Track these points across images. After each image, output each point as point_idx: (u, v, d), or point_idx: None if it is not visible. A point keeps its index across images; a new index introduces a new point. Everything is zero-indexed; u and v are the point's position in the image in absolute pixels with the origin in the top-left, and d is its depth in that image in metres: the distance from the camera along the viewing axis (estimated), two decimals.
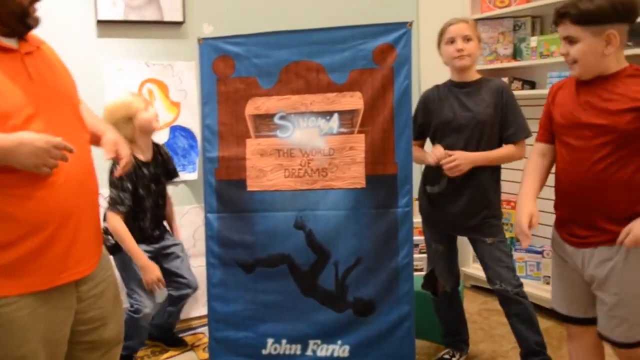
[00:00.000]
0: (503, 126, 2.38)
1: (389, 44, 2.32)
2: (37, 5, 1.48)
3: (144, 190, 2.64)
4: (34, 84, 1.47)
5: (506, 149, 2.40)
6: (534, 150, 2.06)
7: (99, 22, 2.88)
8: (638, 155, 1.73)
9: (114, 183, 2.53)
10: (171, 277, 2.76)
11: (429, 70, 3.59)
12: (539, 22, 3.35)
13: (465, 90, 2.42)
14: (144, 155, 2.66)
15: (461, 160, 2.34)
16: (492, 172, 2.44)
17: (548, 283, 3.25)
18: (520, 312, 2.42)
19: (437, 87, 2.54)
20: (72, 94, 1.65)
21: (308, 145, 2.39)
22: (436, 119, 2.47)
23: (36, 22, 1.49)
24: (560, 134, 1.91)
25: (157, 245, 2.75)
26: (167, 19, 2.96)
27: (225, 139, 2.43)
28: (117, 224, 2.52)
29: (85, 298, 1.64)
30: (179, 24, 3.00)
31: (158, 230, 2.78)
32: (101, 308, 1.69)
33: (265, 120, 2.41)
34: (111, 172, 2.53)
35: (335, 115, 2.37)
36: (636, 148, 1.72)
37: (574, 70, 1.80)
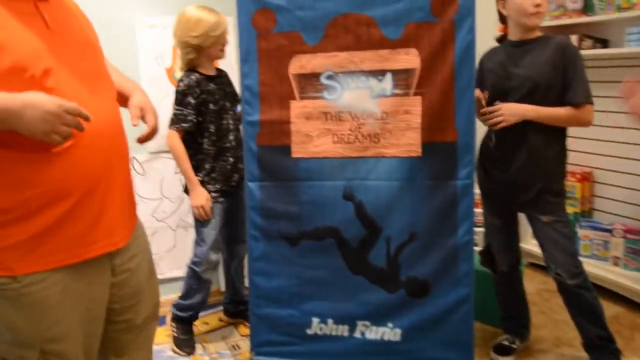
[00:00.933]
0: (563, 88, 2.11)
1: None
2: None
3: (216, 106, 2.48)
4: (51, 32, 1.30)
5: (565, 110, 2.12)
6: None
7: None
8: None
9: (176, 99, 2.44)
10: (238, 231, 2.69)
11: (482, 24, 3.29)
12: None
13: (526, 48, 2.18)
14: (209, 71, 2.52)
15: (505, 111, 2.12)
16: (551, 136, 2.16)
17: (617, 264, 2.98)
18: (580, 304, 2.19)
19: (494, 49, 2.31)
20: (96, 45, 1.48)
21: (358, 108, 2.16)
22: (489, 83, 2.23)
23: None
24: None
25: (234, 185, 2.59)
26: None
27: (267, 101, 2.22)
28: (175, 141, 2.43)
29: (119, 272, 1.50)
30: None
31: (241, 166, 2.49)
32: (136, 284, 1.56)
33: (311, 80, 2.19)
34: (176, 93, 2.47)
35: (389, 75, 2.13)
36: None
37: None
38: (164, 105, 2.50)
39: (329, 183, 2.21)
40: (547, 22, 3.10)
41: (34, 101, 1.17)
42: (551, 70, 2.10)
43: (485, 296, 2.53)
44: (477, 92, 2.16)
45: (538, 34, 2.20)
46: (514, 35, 2.22)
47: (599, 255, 3.06)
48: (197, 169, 2.48)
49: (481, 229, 2.56)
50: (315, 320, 2.31)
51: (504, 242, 2.41)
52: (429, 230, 2.16)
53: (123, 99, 1.56)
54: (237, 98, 2.60)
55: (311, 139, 2.20)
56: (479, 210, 2.60)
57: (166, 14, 2.83)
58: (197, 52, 2.45)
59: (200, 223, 2.52)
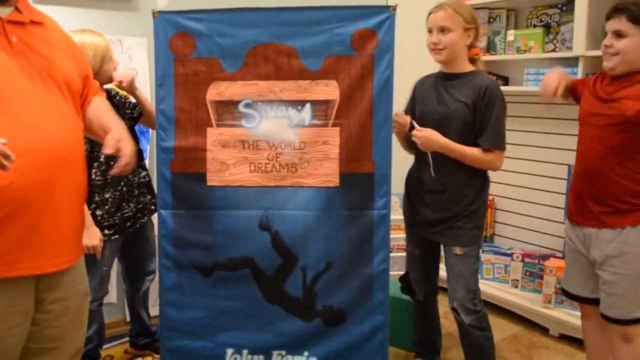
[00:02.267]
0: (477, 130, 2.14)
1: (370, 29, 2.10)
2: None
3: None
4: (14, 54, 1.37)
5: (475, 151, 2.15)
6: None
7: None
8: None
9: None
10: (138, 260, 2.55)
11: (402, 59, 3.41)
12: (514, 15, 3.22)
13: (449, 82, 2.21)
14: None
15: (423, 139, 2.16)
16: (472, 172, 2.20)
17: (516, 286, 3.17)
18: (471, 342, 2.28)
19: (427, 76, 2.35)
20: (68, 76, 1.51)
21: (276, 138, 2.15)
22: (417, 110, 2.29)
23: None
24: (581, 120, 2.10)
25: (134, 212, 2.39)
26: None
27: (183, 127, 2.16)
28: None
29: (45, 309, 1.45)
30: None
31: (137, 191, 2.40)
32: (60, 327, 1.50)
33: (228, 108, 2.15)
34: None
35: (308, 105, 2.14)
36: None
37: (610, 62, 1.94)
38: None
39: (245, 212, 2.17)
40: None
41: None
42: (468, 110, 2.12)
43: (400, 321, 2.59)
44: (406, 117, 2.22)
45: (469, 68, 2.20)
46: (442, 67, 2.26)
47: (499, 278, 3.24)
48: (87, 202, 2.25)
49: (403, 254, 2.63)
50: (229, 351, 2.25)
51: (422, 272, 2.44)
52: (345, 259, 2.18)
53: (104, 132, 1.58)
54: (133, 119, 2.44)
55: (227, 167, 2.16)
56: (396, 235, 2.66)
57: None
58: None
59: (92, 258, 2.28)
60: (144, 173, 2.46)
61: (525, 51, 2.99)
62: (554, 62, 2.88)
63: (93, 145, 2.21)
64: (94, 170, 2.25)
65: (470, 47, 2.21)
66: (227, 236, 2.18)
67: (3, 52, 1.35)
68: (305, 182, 2.15)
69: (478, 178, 2.23)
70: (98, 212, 2.27)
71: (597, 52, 2.57)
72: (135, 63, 2.72)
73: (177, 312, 2.23)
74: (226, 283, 2.21)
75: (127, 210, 2.36)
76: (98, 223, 2.25)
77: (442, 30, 2.13)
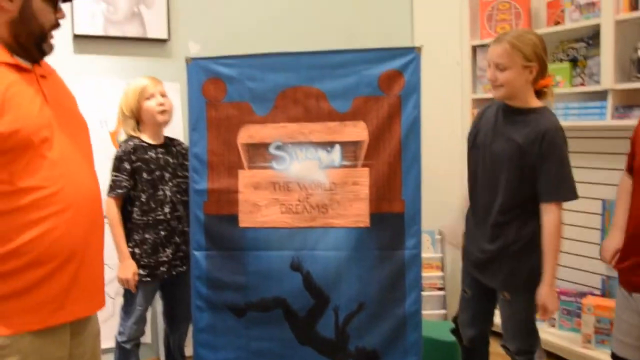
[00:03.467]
0: (536, 180, 1.96)
1: (397, 70, 2.14)
2: (54, 33, 1.44)
3: (150, 176, 2.26)
4: (49, 106, 1.39)
5: (547, 232, 1.95)
6: (622, 179, 2.03)
7: (76, 36, 2.64)
8: None
9: (113, 165, 2.28)
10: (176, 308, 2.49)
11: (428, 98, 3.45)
12: None
13: (510, 118, 2.02)
14: (152, 139, 2.33)
15: (550, 309, 1.96)
16: (525, 219, 2.01)
17: (554, 325, 3.09)
18: None
19: (491, 104, 2.16)
20: (85, 123, 1.57)
21: (307, 179, 2.18)
22: (479, 138, 2.12)
23: (50, 49, 1.44)
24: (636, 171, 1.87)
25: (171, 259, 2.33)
26: (150, 35, 2.73)
27: (216, 170, 2.21)
28: (110, 209, 2.23)
29: (72, 355, 1.46)
30: (163, 41, 2.78)
31: (178, 239, 2.34)
32: None
33: (259, 150, 2.20)
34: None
35: (337, 147, 2.17)
36: None
37: None
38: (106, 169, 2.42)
39: (277, 253, 2.19)
40: (480, 95, 3.26)
41: None
42: (521, 152, 1.95)
43: None
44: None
45: (534, 104, 2.01)
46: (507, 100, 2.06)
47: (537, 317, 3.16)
48: (126, 238, 2.28)
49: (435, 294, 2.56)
50: None
51: (469, 315, 2.24)
52: (377, 300, 2.17)
53: None
54: (185, 173, 2.39)
55: (259, 208, 2.19)
56: (428, 274, 2.60)
57: (113, 77, 2.77)
58: (133, 118, 2.33)
59: (130, 294, 2.32)
60: (186, 221, 2.38)
61: (553, 86, 2.98)
62: (582, 97, 2.86)
63: (135, 185, 2.25)
64: (135, 209, 2.26)
65: (537, 80, 2.02)
66: (260, 277, 2.20)
67: (44, 105, 1.38)
68: (336, 223, 2.17)
69: (530, 224, 2.04)
70: (136, 251, 2.26)
71: (627, 85, 2.57)
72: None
73: (211, 353, 2.24)
74: (259, 324, 2.22)
75: (162, 255, 2.29)
76: (135, 261, 2.26)
77: (498, 66, 1.96)
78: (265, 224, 2.19)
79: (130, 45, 2.75)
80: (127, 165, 2.26)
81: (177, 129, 2.81)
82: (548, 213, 1.95)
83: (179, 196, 2.33)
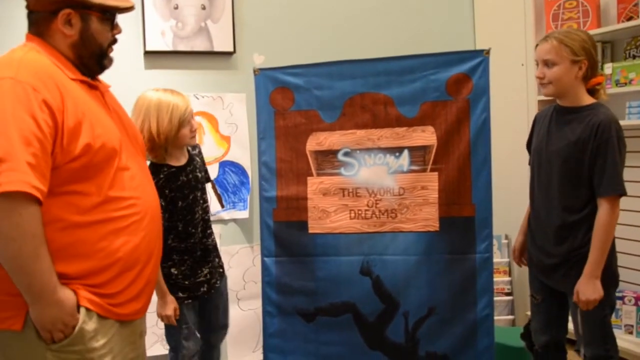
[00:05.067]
0: (593, 173, 1.92)
1: (464, 73, 2.13)
2: (113, 47, 1.50)
3: (185, 202, 2.10)
4: (113, 119, 1.46)
5: (597, 224, 1.91)
6: None
7: (147, 53, 2.75)
8: None
9: None
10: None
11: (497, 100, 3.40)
12: (609, 47, 3.13)
13: (564, 118, 2.01)
14: (179, 160, 2.13)
15: (585, 294, 1.92)
16: (585, 216, 1.97)
17: (631, 332, 2.97)
18: None
19: (547, 107, 2.14)
20: (140, 135, 1.65)
21: (375, 184, 2.19)
22: (533, 143, 2.14)
23: (110, 62, 1.50)
24: None
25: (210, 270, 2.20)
26: (217, 49, 2.82)
27: (285, 177, 2.25)
28: None
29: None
30: (229, 54, 2.86)
31: (213, 256, 2.24)
32: None
33: (328, 157, 2.23)
34: None
35: (406, 152, 2.18)
36: None
37: None
38: None
39: (346, 258, 2.21)
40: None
41: (61, 301, 1.28)
42: (579, 149, 1.92)
43: None
44: None
45: (586, 101, 1.98)
46: (559, 99, 2.06)
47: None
48: (163, 262, 1.94)
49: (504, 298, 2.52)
50: None
51: (540, 321, 2.19)
52: (448, 304, 2.16)
53: None
54: (208, 176, 2.32)
55: (328, 214, 2.22)
56: (497, 279, 2.54)
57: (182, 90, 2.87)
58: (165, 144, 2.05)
59: (173, 330, 2.16)
60: (213, 236, 2.29)
61: (626, 84, 2.88)
62: None
63: (171, 215, 2.06)
64: (171, 237, 2.09)
65: (589, 77, 1.99)
66: (329, 282, 2.23)
67: (112, 120, 1.45)
68: (405, 227, 2.17)
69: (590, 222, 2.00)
70: (173, 271, 2.11)
71: None
72: (236, 118, 2.88)
73: (281, 358, 2.28)
74: (328, 329, 2.24)
75: (201, 275, 2.18)
76: (173, 283, 2.10)
77: (547, 63, 1.97)
78: (334, 230, 2.22)
79: (198, 59, 2.84)
80: (162, 202, 1.97)
81: (244, 139, 2.88)
82: (600, 208, 1.91)
83: (207, 213, 2.22)
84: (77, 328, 1.31)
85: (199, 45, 2.81)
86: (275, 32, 2.99)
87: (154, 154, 2.02)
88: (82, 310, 1.32)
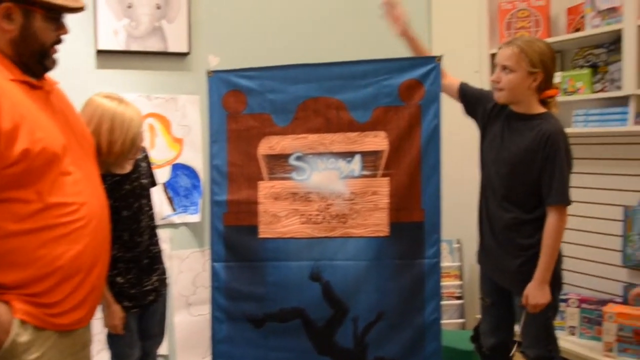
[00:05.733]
0: (541, 183, 1.97)
1: (416, 79, 2.15)
2: (57, 47, 1.45)
3: (130, 211, 2.03)
4: (60, 122, 1.41)
5: (546, 231, 1.97)
6: None
7: (99, 52, 2.69)
8: None
9: None
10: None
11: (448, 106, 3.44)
12: (559, 57, 3.21)
13: (515, 123, 2.04)
14: (122, 168, 2.03)
15: (535, 298, 1.97)
16: (538, 230, 2.00)
17: (574, 334, 3.05)
18: None
19: (502, 107, 2.13)
20: (90, 137, 1.61)
21: (327, 189, 2.19)
22: (484, 146, 2.16)
23: (53, 64, 1.45)
24: None
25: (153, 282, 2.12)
26: (171, 49, 2.77)
27: (236, 181, 2.23)
28: None
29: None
30: (183, 55, 2.81)
31: (159, 264, 2.18)
32: None
33: (279, 161, 2.21)
34: None
35: (357, 157, 2.18)
36: None
37: None
38: None
39: (296, 263, 2.20)
40: None
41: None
42: (529, 158, 1.97)
43: None
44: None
45: (537, 110, 2.02)
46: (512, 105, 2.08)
47: (555, 325, 3.12)
48: (116, 276, 2.03)
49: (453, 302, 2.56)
50: None
51: (490, 323, 2.23)
52: (397, 309, 2.17)
53: None
54: (154, 180, 2.23)
55: (279, 219, 2.21)
56: (446, 283, 2.59)
57: (135, 91, 2.82)
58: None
59: (116, 338, 2.09)
60: (159, 243, 2.21)
61: (573, 92, 2.96)
62: (603, 103, 2.84)
63: (116, 225, 1.85)
64: (115, 247, 1.95)
65: (543, 88, 2.03)
66: (279, 287, 2.21)
67: (55, 122, 1.38)
68: (355, 233, 2.17)
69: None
70: (119, 279, 2.04)
71: None
72: (189, 119, 2.84)
73: None
74: (277, 334, 2.23)
75: (148, 284, 2.11)
76: (119, 292, 2.03)
77: (505, 68, 1.99)
78: (284, 235, 2.21)
79: (152, 59, 2.79)
80: None
81: (197, 142, 2.84)
82: (549, 216, 1.97)
83: (153, 220, 2.15)
84: (8, 341, 1.26)
85: (153, 45, 2.76)
86: (232, 33, 2.96)
87: (102, 164, 1.82)
88: (16, 322, 1.28)
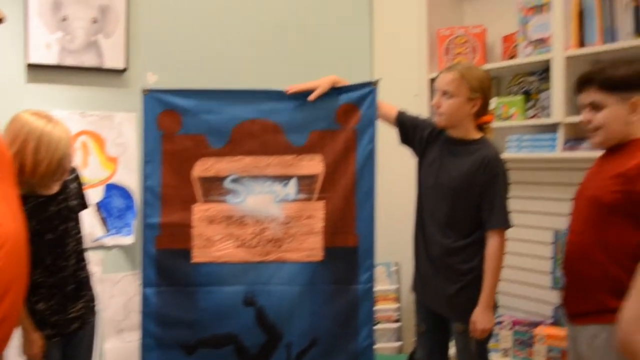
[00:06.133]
0: (480, 208, 2.02)
1: (353, 104, 2.17)
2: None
3: (55, 234, 1.94)
4: None
5: (488, 256, 2.01)
6: None
7: (30, 66, 2.58)
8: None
9: None
10: None
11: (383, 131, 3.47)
12: (496, 83, 3.31)
13: (453, 148, 2.08)
14: (48, 189, 1.95)
15: (482, 323, 2.00)
16: (474, 256, 2.05)
17: (507, 355, 3.12)
18: None
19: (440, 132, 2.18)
20: (8, 156, 1.55)
21: (262, 213, 2.17)
22: (422, 170, 2.19)
23: None
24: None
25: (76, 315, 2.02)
26: (107, 65, 2.69)
27: (169, 203, 2.18)
28: None
29: None
30: (120, 71, 2.74)
31: (87, 290, 2.08)
32: None
33: (214, 184, 2.18)
34: None
35: (293, 180, 2.17)
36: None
37: (596, 137, 1.77)
38: None
39: (229, 288, 2.17)
40: None
41: None
42: (467, 183, 2.01)
43: None
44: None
45: (474, 135, 2.07)
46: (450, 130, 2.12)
47: (490, 346, 3.18)
48: (29, 296, 1.88)
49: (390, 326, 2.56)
50: None
51: (425, 349, 2.24)
52: (330, 335, 2.16)
53: None
54: (84, 202, 2.14)
55: (213, 243, 2.17)
56: (384, 307, 2.60)
57: (68, 107, 2.73)
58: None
59: None
60: (88, 267, 2.11)
61: (507, 118, 3.06)
62: (535, 129, 2.94)
63: (38, 248, 1.83)
64: (38, 272, 1.90)
65: (480, 114, 2.08)
66: (212, 313, 2.16)
67: None
68: (290, 257, 2.16)
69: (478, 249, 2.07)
70: (40, 306, 1.93)
71: (576, 119, 2.64)
72: (125, 138, 2.76)
73: None
74: None
75: (72, 311, 2.01)
76: (40, 319, 1.93)
77: (445, 93, 2.03)
78: (218, 259, 2.17)
79: (87, 75, 2.70)
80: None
81: (133, 162, 2.77)
82: (490, 239, 2.01)
83: (81, 244, 2.06)
84: None
85: (89, 60, 2.68)
86: (172, 52, 2.91)
87: (20, 187, 1.72)
88: None
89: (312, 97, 2.14)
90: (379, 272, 2.93)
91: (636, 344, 1.13)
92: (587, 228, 1.77)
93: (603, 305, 1.69)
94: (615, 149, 1.76)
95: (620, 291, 1.67)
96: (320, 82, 2.16)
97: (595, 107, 1.75)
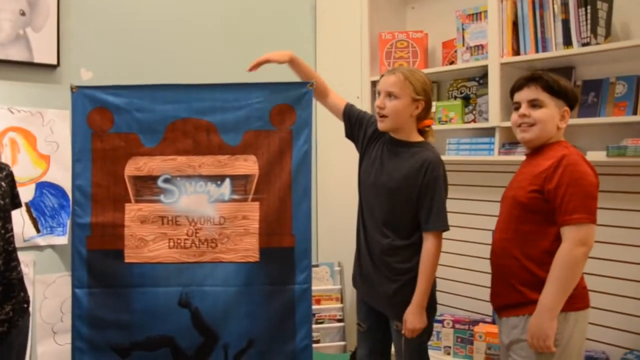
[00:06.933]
0: (418, 209, 2.03)
1: (288, 104, 2.16)
2: None
3: None
4: None
5: (423, 256, 2.03)
6: None
7: None
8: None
9: None
10: None
11: (325, 131, 3.48)
12: (436, 87, 3.37)
13: (395, 149, 2.09)
14: None
15: (412, 323, 2.02)
16: (412, 256, 2.06)
17: (449, 353, 3.17)
18: None
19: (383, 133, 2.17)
20: None
21: (196, 213, 2.13)
22: (363, 169, 2.19)
23: None
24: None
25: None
26: (37, 60, 2.59)
27: (100, 203, 2.12)
28: None
29: None
30: (52, 66, 2.65)
31: (17, 292, 1.94)
32: None
33: (147, 183, 2.13)
34: None
35: (227, 180, 2.15)
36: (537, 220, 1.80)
37: (530, 133, 1.84)
38: None
39: (164, 289, 2.12)
40: None
41: None
42: (407, 183, 2.02)
43: None
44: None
45: (417, 138, 2.09)
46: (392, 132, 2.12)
47: (432, 345, 3.22)
48: None
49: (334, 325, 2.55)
50: None
51: (366, 349, 2.25)
52: (267, 336, 2.15)
53: None
54: (17, 201, 2.03)
55: (146, 243, 2.12)
56: (328, 306, 2.60)
57: None
58: None
59: None
60: (20, 267, 1.99)
61: (447, 122, 3.12)
62: (473, 133, 3.00)
63: None
64: None
65: (422, 118, 2.10)
66: (146, 314, 2.12)
67: None
68: (225, 258, 2.13)
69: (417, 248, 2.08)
70: None
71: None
72: (57, 136, 2.66)
73: None
74: None
75: (2, 313, 1.90)
76: None
77: (389, 95, 2.03)
78: (152, 260, 2.12)
79: (15, 69, 2.59)
80: None
81: (66, 160, 2.67)
82: (426, 241, 2.03)
83: (11, 244, 1.93)
84: None
85: (16, 54, 2.57)
86: (106, 47, 2.82)
87: None
88: None
89: (253, 63, 2.13)
90: (322, 272, 2.93)
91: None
92: (508, 226, 1.87)
93: (523, 297, 1.80)
94: (538, 150, 1.86)
95: (537, 284, 1.77)
96: (276, 54, 2.15)
97: (536, 104, 1.83)
